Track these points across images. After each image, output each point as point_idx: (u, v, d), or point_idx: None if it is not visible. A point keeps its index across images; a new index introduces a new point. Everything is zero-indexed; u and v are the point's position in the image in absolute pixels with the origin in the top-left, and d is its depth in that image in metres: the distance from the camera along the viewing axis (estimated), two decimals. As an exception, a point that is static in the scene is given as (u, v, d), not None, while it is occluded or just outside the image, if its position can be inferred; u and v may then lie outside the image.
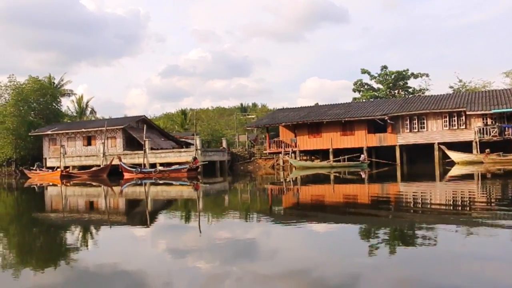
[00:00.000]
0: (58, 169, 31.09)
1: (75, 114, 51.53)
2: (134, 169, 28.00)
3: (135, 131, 36.05)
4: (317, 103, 47.22)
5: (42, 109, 43.53)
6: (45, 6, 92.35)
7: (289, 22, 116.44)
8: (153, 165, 30.91)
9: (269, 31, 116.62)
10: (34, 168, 32.89)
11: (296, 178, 21.80)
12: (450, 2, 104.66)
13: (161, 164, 30.36)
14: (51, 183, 25.25)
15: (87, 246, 6.37)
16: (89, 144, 37.48)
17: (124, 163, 28.80)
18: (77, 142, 37.81)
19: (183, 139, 43.49)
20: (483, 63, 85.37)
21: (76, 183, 24.23)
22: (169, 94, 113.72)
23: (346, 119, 30.97)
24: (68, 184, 23.43)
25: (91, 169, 30.64)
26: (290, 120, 33.37)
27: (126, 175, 27.64)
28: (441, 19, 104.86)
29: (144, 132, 31.76)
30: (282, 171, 29.34)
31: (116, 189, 19.12)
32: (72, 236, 7.39)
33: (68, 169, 31.25)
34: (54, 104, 45.14)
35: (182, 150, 34.05)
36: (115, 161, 29.16)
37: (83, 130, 37.40)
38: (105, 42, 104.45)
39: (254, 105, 73.53)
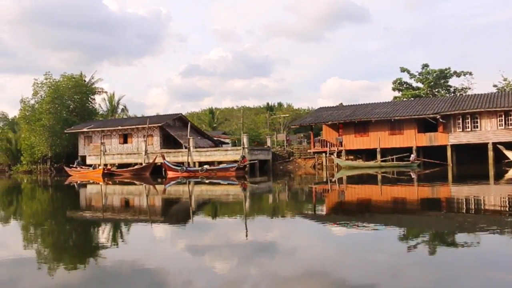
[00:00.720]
0: (100, 167, 30.62)
1: (106, 112, 51.28)
2: (179, 168, 27.17)
3: (172, 129, 35.52)
4: (341, 103, 46.17)
5: (76, 106, 43.42)
6: (68, 6, 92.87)
7: (310, 22, 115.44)
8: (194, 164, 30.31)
9: (290, 30, 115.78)
10: (74, 166, 32.50)
11: (342, 178, 20.97)
12: (473, 1, 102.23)
13: (201, 164, 29.70)
14: (92, 181, 24.82)
15: (129, 243, 6.49)
16: (125, 142, 37.07)
17: (168, 161, 28.12)
18: (113, 140, 37.43)
19: (216, 138, 43.00)
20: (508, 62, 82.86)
21: (119, 181, 23.71)
22: (190, 94, 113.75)
23: (396, 117, 29.77)
24: (110, 182, 22.89)
25: (134, 167, 30.11)
26: (336, 119, 32.24)
27: (170, 174, 26.95)
28: (464, 18, 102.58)
29: (188, 130, 31.17)
30: (325, 171, 28.43)
31: (160, 188, 18.49)
32: (120, 232, 7.45)
33: (109, 167, 30.76)
34: (88, 102, 44.96)
35: (229, 148, 33.37)
36: (158, 159, 28.53)
37: (120, 127, 36.98)
38: (127, 42, 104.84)
39: (280, 104, 72.51)
